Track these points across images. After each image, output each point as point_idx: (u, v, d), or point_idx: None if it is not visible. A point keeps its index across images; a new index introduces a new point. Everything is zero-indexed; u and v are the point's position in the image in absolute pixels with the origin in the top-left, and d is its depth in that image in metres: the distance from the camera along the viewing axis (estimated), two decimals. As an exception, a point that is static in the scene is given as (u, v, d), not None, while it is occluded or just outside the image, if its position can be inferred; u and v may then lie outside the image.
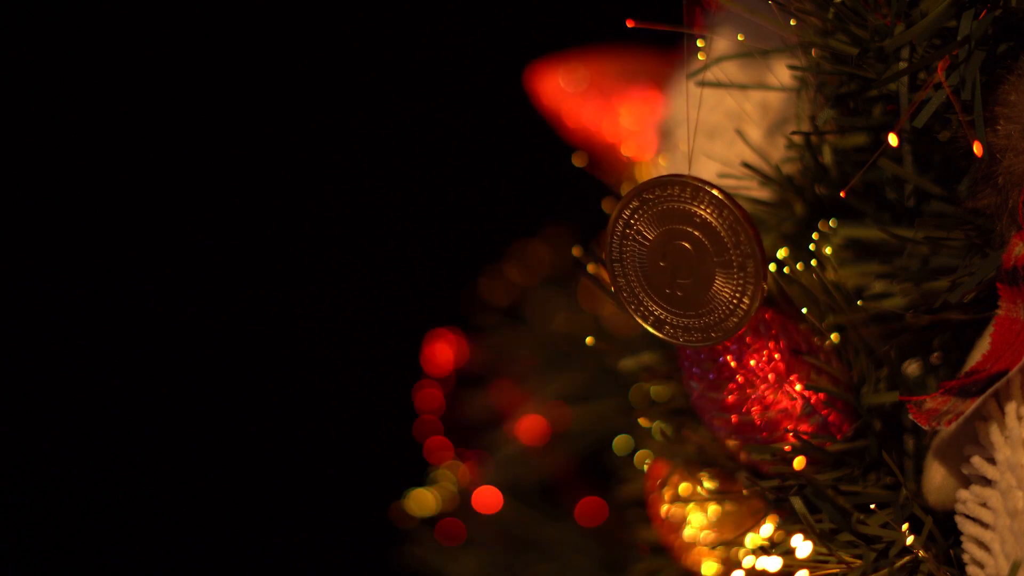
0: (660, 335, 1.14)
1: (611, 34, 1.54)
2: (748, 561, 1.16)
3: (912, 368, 1.21)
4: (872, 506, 1.16)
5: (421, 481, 1.77)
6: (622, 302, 1.14)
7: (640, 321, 1.14)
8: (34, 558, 2.30)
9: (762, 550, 1.16)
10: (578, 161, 1.64)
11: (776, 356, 1.17)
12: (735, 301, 1.11)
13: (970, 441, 1.11)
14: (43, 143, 2.30)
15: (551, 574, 1.67)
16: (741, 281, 1.10)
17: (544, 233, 1.80)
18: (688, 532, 1.29)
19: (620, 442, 1.53)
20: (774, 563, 1.14)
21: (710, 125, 1.33)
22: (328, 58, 2.32)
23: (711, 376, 1.18)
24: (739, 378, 1.17)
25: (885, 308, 1.18)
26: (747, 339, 1.16)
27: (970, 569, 1.10)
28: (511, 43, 1.91)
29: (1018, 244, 1.08)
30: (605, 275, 1.16)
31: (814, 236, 1.22)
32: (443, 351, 1.83)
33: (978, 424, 1.10)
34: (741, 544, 1.21)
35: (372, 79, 2.32)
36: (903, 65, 1.10)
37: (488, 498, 1.73)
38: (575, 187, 1.62)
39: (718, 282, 1.11)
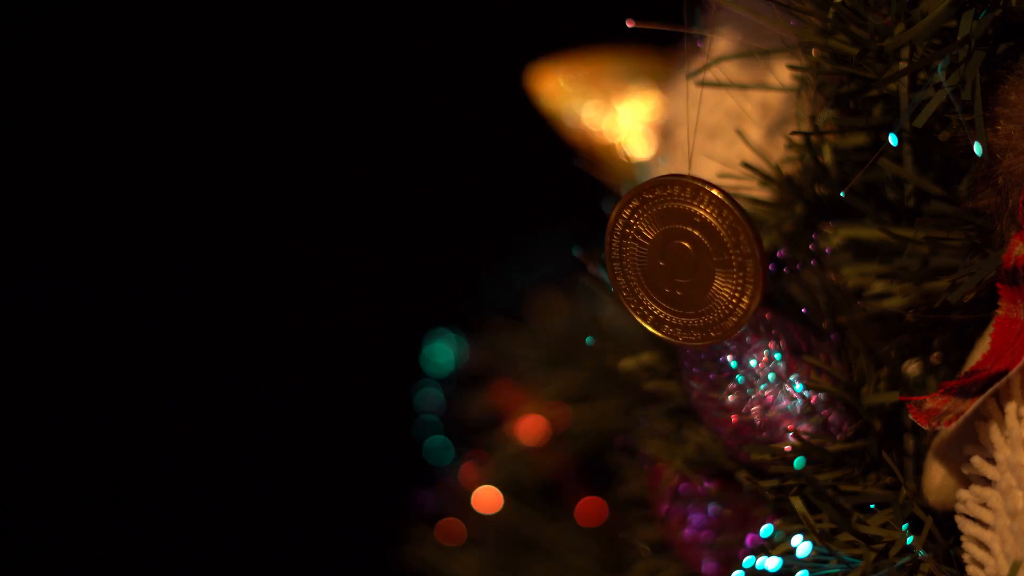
0: (659, 334, 1.14)
1: (611, 34, 1.54)
2: (748, 561, 1.16)
3: (912, 368, 1.21)
4: (872, 506, 1.16)
5: (421, 481, 1.77)
6: (622, 301, 1.14)
7: (640, 320, 1.14)
8: (34, 558, 2.30)
9: (762, 550, 1.16)
10: (578, 161, 1.64)
11: (776, 356, 1.17)
12: (734, 301, 1.11)
13: (970, 441, 1.11)
14: (44, 144, 2.30)
15: (551, 574, 1.67)
16: (740, 281, 1.10)
17: (544, 233, 1.79)
18: (688, 532, 1.29)
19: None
20: (774, 563, 1.14)
21: (710, 125, 1.33)
22: (328, 58, 2.32)
23: (711, 376, 1.18)
24: (739, 378, 1.17)
25: (885, 308, 1.18)
26: (747, 339, 1.16)
27: (970, 569, 1.10)
28: (511, 43, 1.91)
29: (1018, 244, 1.08)
30: (605, 275, 1.16)
31: (814, 236, 1.22)
32: (443, 351, 1.83)
33: (978, 424, 1.10)
34: (741, 544, 1.21)
35: (372, 79, 2.32)
36: (903, 65, 1.10)
37: (488, 498, 1.73)
38: (575, 187, 1.62)
39: (717, 282, 1.11)
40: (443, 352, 1.83)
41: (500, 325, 1.77)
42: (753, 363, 1.17)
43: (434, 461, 1.79)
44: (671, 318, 1.13)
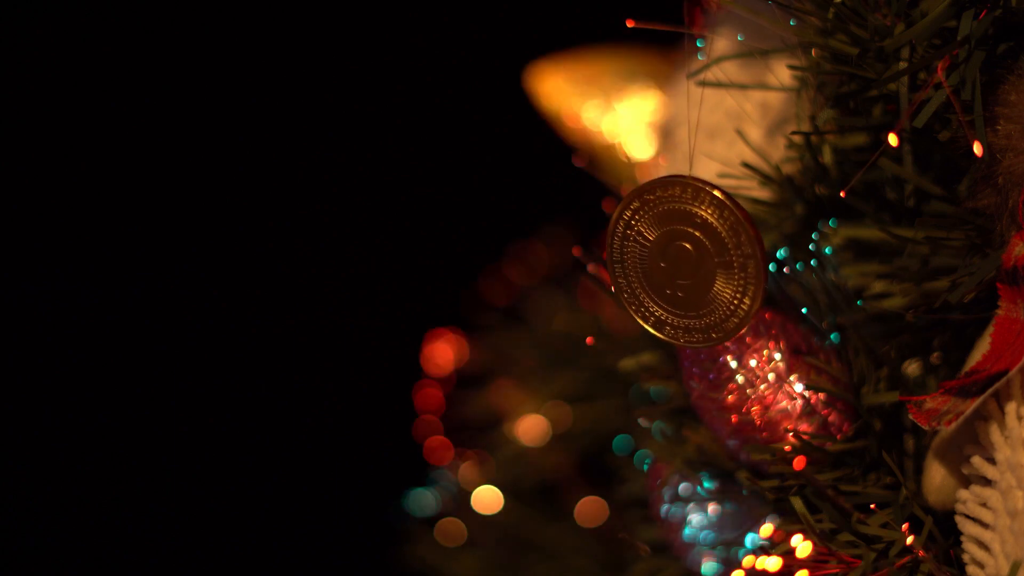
0: (661, 336, 1.14)
1: (611, 34, 1.54)
2: (748, 561, 1.16)
3: (912, 368, 1.21)
4: (872, 506, 1.16)
5: (421, 481, 1.77)
6: (623, 303, 1.14)
7: (641, 322, 1.14)
8: (34, 558, 2.30)
9: (762, 550, 1.16)
10: (578, 161, 1.64)
11: (776, 356, 1.17)
12: (736, 302, 1.11)
13: (970, 441, 1.11)
14: (44, 144, 2.30)
15: (551, 574, 1.67)
16: (742, 282, 1.10)
17: (544, 233, 1.79)
18: (688, 532, 1.29)
19: (620, 442, 1.53)
20: (774, 563, 1.14)
21: (710, 125, 1.33)
22: (328, 58, 2.32)
23: (711, 376, 1.18)
24: (739, 378, 1.17)
25: (885, 308, 1.18)
26: (747, 339, 1.16)
27: (970, 569, 1.10)
28: (511, 43, 1.91)
29: (1018, 244, 1.08)
30: (605, 275, 1.16)
31: (814, 236, 1.22)
32: (443, 351, 1.83)
33: (978, 424, 1.10)
34: (741, 544, 1.21)
35: (372, 79, 2.32)
36: (903, 65, 1.10)
37: (488, 498, 1.73)
38: (575, 187, 1.62)
39: (719, 283, 1.11)
40: (443, 352, 1.83)
41: (500, 325, 1.76)
42: (753, 363, 1.17)
43: (432, 463, 1.79)
44: (672, 320, 1.13)
